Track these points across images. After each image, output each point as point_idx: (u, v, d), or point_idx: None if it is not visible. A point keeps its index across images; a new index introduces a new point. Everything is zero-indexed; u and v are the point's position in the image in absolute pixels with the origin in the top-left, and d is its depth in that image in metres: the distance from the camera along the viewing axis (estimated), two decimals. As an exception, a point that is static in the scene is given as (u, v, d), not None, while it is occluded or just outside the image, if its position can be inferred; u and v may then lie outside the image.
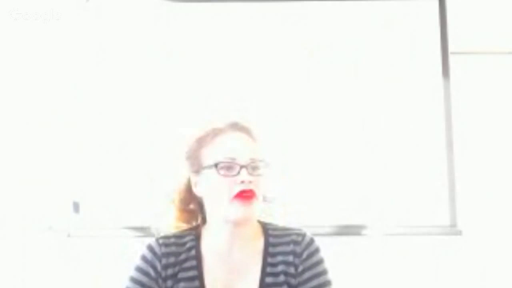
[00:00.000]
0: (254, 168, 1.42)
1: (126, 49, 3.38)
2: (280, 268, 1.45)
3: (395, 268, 3.18)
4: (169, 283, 1.44)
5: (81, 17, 3.37)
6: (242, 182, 1.40)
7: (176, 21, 3.39)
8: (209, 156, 1.44)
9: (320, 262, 1.47)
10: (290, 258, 1.46)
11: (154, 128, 3.30)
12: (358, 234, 3.23)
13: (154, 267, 1.44)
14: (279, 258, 1.46)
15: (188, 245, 1.48)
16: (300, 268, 1.45)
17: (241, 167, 1.41)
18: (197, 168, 1.46)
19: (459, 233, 3.19)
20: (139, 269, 1.46)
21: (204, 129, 1.49)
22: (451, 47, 3.32)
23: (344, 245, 3.14)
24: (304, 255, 1.46)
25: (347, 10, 3.37)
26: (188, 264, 1.46)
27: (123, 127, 3.32)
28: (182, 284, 1.44)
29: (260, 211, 1.47)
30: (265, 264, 1.46)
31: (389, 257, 3.19)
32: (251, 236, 1.47)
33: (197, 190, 1.48)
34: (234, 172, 1.41)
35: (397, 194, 3.24)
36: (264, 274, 1.45)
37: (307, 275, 1.45)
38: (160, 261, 1.45)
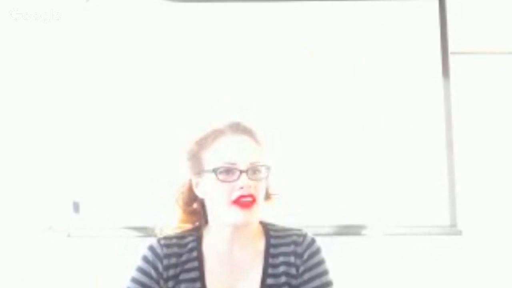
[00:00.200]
0: (255, 172, 1.41)
1: (126, 49, 3.38)
2: (281, 269, 1.45)
3: (395, 268, 3.18)
4: (171, 284, 1.44)
5: (81, 17, 3.37)
6: (241, 188, 1.39)
7: (176, 21, 3.38)
8: (209, 159, 1.43)
9: (321, 262, 1.47)
10: (291, 259, 1.45)
11: (154, 128, 3.29)
12: (358, 234, 3.23)
13: (155, 268, 1.44)
14: (280, 259, 1.46)
15: (189, 246, 1.47)
16: (301, 269, 1.45)
17: (241, 172, 1.39)
18: (198, 170, 1.46)
19: (459, 233, 3.19)
20: (140, 270, 1.45)
21: (204, 130, 1.47)
22: (451, 47, 3.32)
23: (344, 245, 3.14)
24: (305, 256, 1.45)
25: (347, 10, 3.37)
26: (189, 265, 1.46)
27: (123, 127, 3.32)
28: (183, 285, 1.44)
29: (261, 213, 1.45)
30: (266, 265, 1.46)
31: (389, 257, 3.19)
32: (252, 237, 1.47)
33: (198, 191, 1.48)
34: (234, 177, 1.40)
35: (397, 194, 3.24)
36: (265, 275, 1.45)
37: (308, 275, 1.45)
38: (161, 261, 1.45)
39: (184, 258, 1.46)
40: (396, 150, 3.27)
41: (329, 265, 1.49)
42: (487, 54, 3.33)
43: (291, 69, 3.33)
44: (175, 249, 1.47)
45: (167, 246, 1.46)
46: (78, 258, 3.22)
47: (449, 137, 3.27)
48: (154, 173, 3.17)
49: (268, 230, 1.50)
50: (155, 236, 1.51)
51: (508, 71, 3.34)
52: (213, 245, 1.47)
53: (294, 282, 1.45)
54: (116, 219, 3.24)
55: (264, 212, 1.50)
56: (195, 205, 1.52)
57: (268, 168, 1.44)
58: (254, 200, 1.40)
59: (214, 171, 1.40)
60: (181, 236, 1.49)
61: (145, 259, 1.46)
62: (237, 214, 1.39)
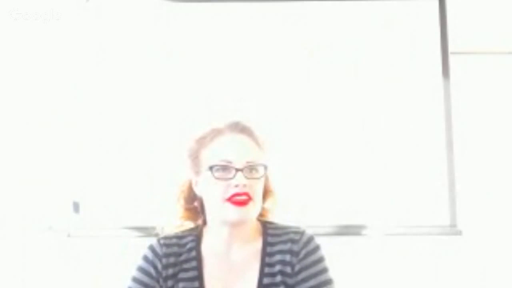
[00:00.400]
0: (251, 171, 1.41)
1: (126, 49, 3.38)
2: (277, 268, 1.44)
3: (395, 268, 3.18)
4: (170, 283, 1.45)
5: (81, 17, 3.37)
6: (236, 186, 1.39)
7: (176, 21, 3.38)
8: (207, 158, 1.44)
9: (318, 261, 1.45)
10: (287, 257, 1.44)
11: (154, 128, 3.29)
12: (358, 234, 3.23)
13: (155, 267, 1.45)
14: (277, 257, 1.45)
15: (188, 246, 1.48)
16: (297, 268, 1.43)
17: (237, 170, 1.40)
18: (197, 169, 1.47)
19: (459, 233, 3.19)
20: (140, 269, 1.47)
21: (204, 129, 1.48)
22: (451, 47, 3.32)
23: (344, 245, 3.13)
24: (302, 254, 1.44)
25: (347, 10, 3.37)
26: (188, 264, 1.46)
27: (124, 127, 3.32)
28: (182, 284, 1.45)
29: (258, 212, 1.45)
30: (263, 264, 1.45)
31: (389, 257, 3.19)
32: (250, 236, 1.47)
33: (197, 190, 1.49)
34: (230, 175, 1.40)
35: (397, 194, 3.23)
36: (262, 274, 1.44)
37: (304, 274, 1.43)
38: (160, 261, 1.45)
39: (183, 257, 1.47)
40: (396, 150, 3.27)
41: (328, 265, 1.47)
42: (487, 54, 3.33)
43: (291, 69, 3.33)
44: (175, 249, 1.47)
45: (167, 245, 1.47)
46: (78, 258, 3.22)
47: (449, 137, 3.27)
48: (154, 173, 3.17)
49: (266, 228, 1.49)
50: (155, 236, 1.52)
51: (508, 71, 3.34)
52: (211, 244, 1.47)
53: (289, 281, 1.43)
54: (116, 219, 3.24)
55: (263, 211, 1.51)
56: (196, 203, 1.53)
57: (265, 167, 1.44)
58: (249, 199, 1.40)
59: (211, 168, 1.41)
60: (180, 236, 1.50)
61: (146, 258, 1.47)
62: (230, 212, 1.40)
